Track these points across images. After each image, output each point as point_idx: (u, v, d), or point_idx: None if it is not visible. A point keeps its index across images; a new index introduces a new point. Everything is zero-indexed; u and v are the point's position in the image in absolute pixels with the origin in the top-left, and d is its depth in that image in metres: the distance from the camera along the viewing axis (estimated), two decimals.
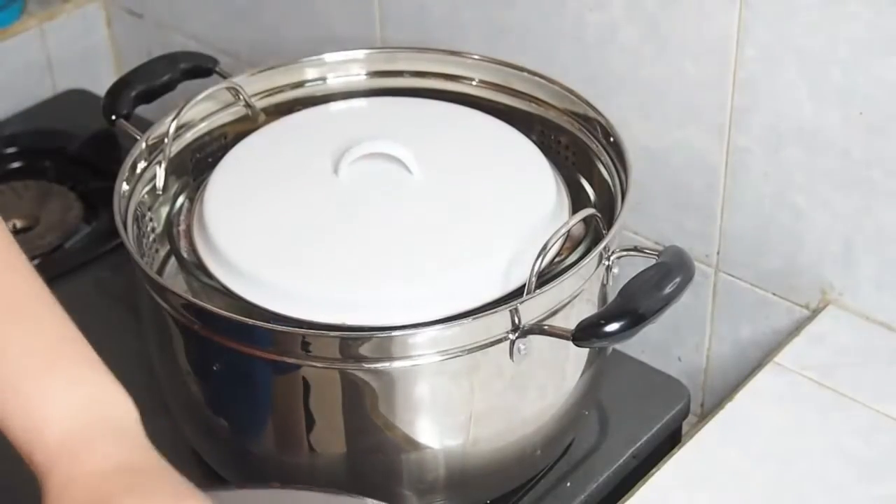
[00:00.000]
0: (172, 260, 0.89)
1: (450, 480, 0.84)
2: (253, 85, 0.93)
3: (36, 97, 1.36)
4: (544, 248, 0.78)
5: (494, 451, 0.84)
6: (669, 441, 0.96)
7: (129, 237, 0.83)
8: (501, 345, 0.78)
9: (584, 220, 0.83)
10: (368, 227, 0.84)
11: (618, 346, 0.97)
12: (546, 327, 0.78)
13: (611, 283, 0.85)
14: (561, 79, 0.94)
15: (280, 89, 0.94)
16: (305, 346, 0.77)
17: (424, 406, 0.81)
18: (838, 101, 0.89)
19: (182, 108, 0.90)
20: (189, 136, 0.93)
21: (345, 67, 0.97)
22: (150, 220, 0.90)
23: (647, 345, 1.03)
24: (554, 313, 0.79)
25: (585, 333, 0.76)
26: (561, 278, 0.78)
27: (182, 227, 0.89)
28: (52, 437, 0.65)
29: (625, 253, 0.84)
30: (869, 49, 0.86)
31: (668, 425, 0.96)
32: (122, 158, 0.88)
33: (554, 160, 0.91)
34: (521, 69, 0.95)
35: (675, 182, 1.01)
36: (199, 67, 0.97)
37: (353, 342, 0.76)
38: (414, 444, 0.82)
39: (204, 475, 0.92)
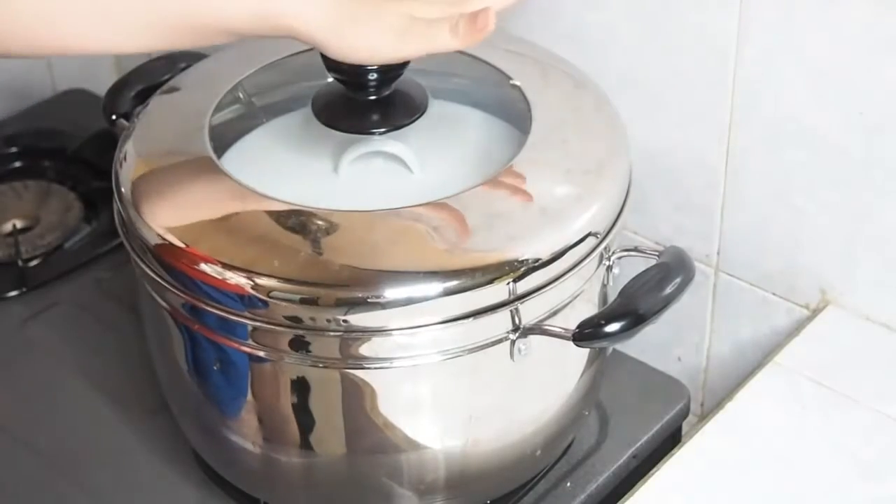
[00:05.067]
0: None
1: (450, 480, 0.84)
2: (253, 82, 0.92)
3: (36, 97, 1.36)
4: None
5: (494, 452, 0.84)
6: (669, 441, 0.96)
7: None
8: (501, 345, 0.78)
9: None
10: None
11: (618, 346, 0.97)
12: (546, 327, 0.78)
13: (611, 283, 0.85)
14: None
15: (280, 87, 0.94)
16: (305, 345, 0.77)
17: (424, 406, 0.81)
18: (838, 101, 0.89)
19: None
20: None
21: None
22: None
23: (647, 345, 1.02)
24: (554, 313, 0.79)
25: (585, 334, 0.76)
26: (561, 278, 0.78)
27: None
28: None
29: (625, 253, 0.84)
30: (869, 49, 0.86)
31: (668, 425, 0.96)
32: None
33: None
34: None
35: (675, 182, 1.01)
36: None
37: (353, 342, 0.76)
38: (414, 444, 0.82)
39: (204, 475, 0.92)
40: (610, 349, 0.92)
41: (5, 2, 0.71)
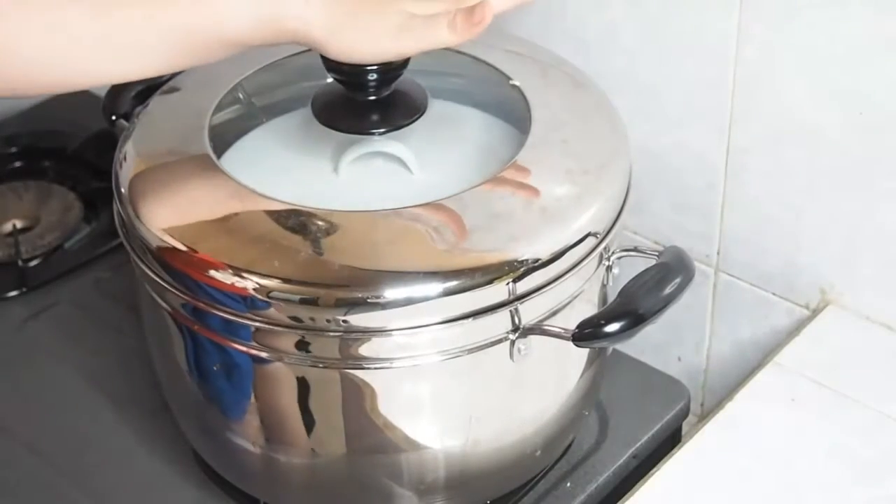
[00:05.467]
0: None
1: (450, 480, 0.84)
2: (253, 82, 0.93)
3: (36, 97, 1.35)
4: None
5: (494, 452, 0.84)
6: (669, 441, 0.96)
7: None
8: (501, 345, 0.78)
9: None
10: None
11: (618, 346, 0.97)
12: (546, 327, 0.78)
13: (611, 283, 0.85)
14: None
15: (280, 87, 0.94)
16: (305, 346, 0.77)
17: (424, 406, 0.81)
18: (838, 101, 0.89)
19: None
20: None
21: None
22: None
23: (647, 345, 1.03)
24: (554, 313, 0.79)
25: (585, 334, 0.76)
26: (561, 278, 0.78)
27: None
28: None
29: (625, 253, 0.84)
30: (869, 49, 0.86)
31: (668, 425, 0.96)
32: None
33: None
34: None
35: (675, 182, 1.01)
36: None
37: (353, 342, 0.76)
38: (414, 444, 0.82)
39: (204, 475, 0.92)
40: (610, 349, 0.92)
41: (6, 45, 0.70)
